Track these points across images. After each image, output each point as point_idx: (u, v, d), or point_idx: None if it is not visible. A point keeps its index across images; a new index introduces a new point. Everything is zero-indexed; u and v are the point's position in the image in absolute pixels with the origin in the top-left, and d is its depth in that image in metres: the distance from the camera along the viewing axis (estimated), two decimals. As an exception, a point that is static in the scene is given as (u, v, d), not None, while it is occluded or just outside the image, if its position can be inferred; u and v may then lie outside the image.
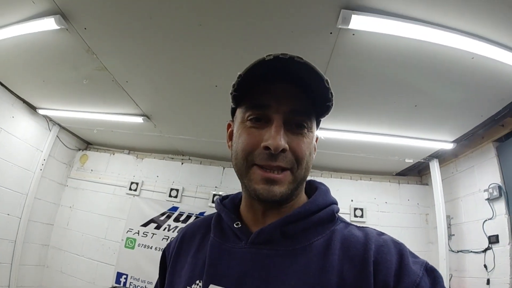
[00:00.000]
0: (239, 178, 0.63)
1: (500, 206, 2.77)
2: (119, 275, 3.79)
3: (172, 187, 4.20)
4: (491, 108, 2.53)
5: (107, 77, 2.71)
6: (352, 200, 3.97)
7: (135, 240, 3.92)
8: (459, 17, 1.72)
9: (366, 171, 4.14)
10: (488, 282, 2.74)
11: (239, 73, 0.58)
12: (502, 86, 2.23)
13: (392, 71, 2.21)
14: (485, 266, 2.82)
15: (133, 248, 3.89)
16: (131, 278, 3.74)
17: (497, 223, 2.79)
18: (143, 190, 4.26)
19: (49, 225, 4.13)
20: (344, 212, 3.82)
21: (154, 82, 2.74)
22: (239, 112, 0.64)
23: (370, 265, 0.52)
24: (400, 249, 0.56)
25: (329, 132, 3.07)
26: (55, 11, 2.03)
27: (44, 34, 2.22)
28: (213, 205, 3.34)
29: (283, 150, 0.56)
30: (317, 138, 0.68)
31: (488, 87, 2.25)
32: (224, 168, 4.30)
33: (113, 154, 4.56)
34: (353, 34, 1.89)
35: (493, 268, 2.73)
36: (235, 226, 0.64)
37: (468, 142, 3.10)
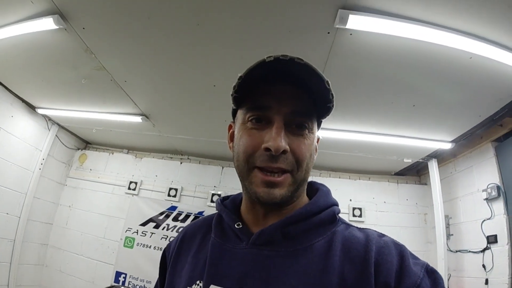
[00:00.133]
0: (240, 180, 0.63)
1: (499, 206, 2.77)
2: (118, 274, 3.79)
3: (171, 187, 4.20)
4: (490, 108, 2.53)
5: (105, 76, 2.71)
6: (350, 200, 3.97)
7: (134, 239, 3.92)
8: (457, 17, 1.71)
9: (364, 170, 4.14)
10: (486, 282, 2.74)
11: (239, 75, 0.58)
12: (500, 86, 2.22)
13: (390, 71, 2.20)
14: (483, 266, 2.82)
15: (132, 247, 3.89)
16: (130, 277, 3.74)
17: (495, 223, 2.78)
18: (142, 190, 4.27)
19: (48, 224, 4.13)
20: (343, 211, 3.81)
21: (153, 82, 2.74)
22: (240, 114, 0.64)
23: (371, 266, 0.53)
24: (401, 250, 0.56)
25: (327, 131, 3.08)
26: (54, 11, 2.03)
27: (42, 34, 2.22)
28: (212, 204, 3.35)
29: (284, 152, 0.56)
30: (318, 139, 0.68)
31: (487, 87, 2.25)
32: (223, 168, 4.30)
33: (112, 154, 4.57)
34: (351, 34, 1.89)
35: (492, 268, 2.73)
36: (236, 226, 0.64)
37: (467, 142, 3.10)
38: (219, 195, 4.07)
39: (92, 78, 2.78)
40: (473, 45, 1.84)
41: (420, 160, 3.59)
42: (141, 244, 3.89)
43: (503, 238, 2.68)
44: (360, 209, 3.90)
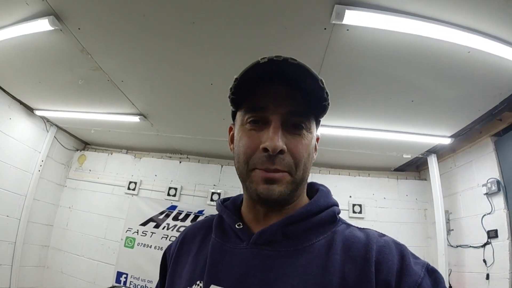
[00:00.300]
0: (241, 181, 0.63)
1: (499, 200, 2.77)
2: (119, 274, 3.80)
3: (171, 186, 4.20)
4: (489, 102, 2.52)
5: (102, 77, 2.70)
6: (350, 196, 3.97)
7: (134, 239, 3.92)
8: (455, 11, 1.70)
9: (364, 167, 4.13)
10: (487, 277, 2.74)
11: (235, 77, 0.58)
12: (499, 80, 2.21)
13: (388, 66, 2.19)
14: (484, 261, 2.81)
15: (132, 247, 3.90)
16: (131, 277, 3.75)
17: (496, 217, 2.78)
18: (141, 190, 4.26)
19: (48, 226, 4.13)
20: (343, 208, 3.81)
21: (150, 81, 2.74)
22: (239, 115, 0.65)
23: (372, 265, 0.53)
24: (401, 250, 0.56)
25: (326, 128, 3.07)
26: (49, 12, 2.02)
27: (38, 35, 2.21)
28: (212, 203, 3.35)
29: (281, 151, 0.57)
30: (318, 138, 0.68)
31: (485, 81, 2.24)
32: (222, 166, 4.30)
33: (111, 154, 4.56)
34: (348, 30, 1.88)
35: (493, 263, 2.73)
36: (237, 227, 0.64)
37: (466, 137, 3.10)
38: (218, 193, 4.08)
39: (89, 79, 2.77)
40: (471, 40, 1.83)
41: (420, 156, 3.58)
42: (142, 244, 3.90)
43: (503, 233, 2.68)
44: (360, 205, 3.89)
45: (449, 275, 3.16)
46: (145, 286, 3.66)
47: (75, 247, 4.03)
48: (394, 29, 1.80)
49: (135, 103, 3.14)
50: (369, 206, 3.91)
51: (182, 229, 3.81)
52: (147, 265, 3.74)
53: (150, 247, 3.86)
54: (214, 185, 4.20)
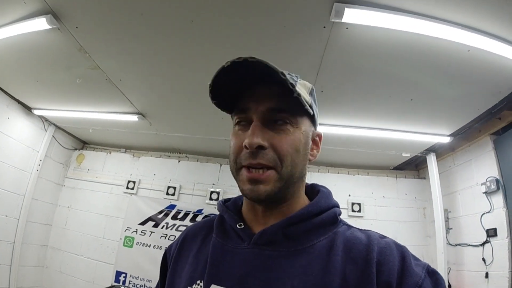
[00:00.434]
0: (235, 181, 0.64)
1: (498, 199, 2.77)
2: (118, 274, 3.79)
3: (169, 185, 4.19)
4: (488, 101, 2.51)
5: (100, 75, 2.68)
6: (349, 195, 3.97)
7: (133, 238, 3.92)
8: (455, 9, 1.69)
9: (363, 165, 4.13)
10: (486, 275, 2.74)
11: (209, 83, 0.60)
12: (498, 79, 2.21)
13: (387, 64, 2.19)
14: (483, 259, 2.82)
15: (131, 246, 3.89)
16: (130, 276, 3.75)
17: (495, 216, 2.78)
18: (140, 189, 4.25)
19: (47, 225, 4.12)
20: (342, 207, 3.75)
21: (148, 80, 2.73)
22: (232, 119, 0.67)
23: (373, 266, 0.53)
24: (402, 251, 0.57)
25: (325, 127, 3.06)
26: (46, 10, 2.00)
27: (36, 34, 2.20)
28: (211, 202, 3.35)
29: (262, 147, 0.57)
30: (319, 135, 0.69)
31: (485, 80, 2.23)
32: (221, 165, 4.29)
33: (110, 153, 4.55)
34: (347, 28, 1.87)
35: (492, 261, 2.74)
36: (238, 227, 0.64)
37: (465, 136, 3.10)
38: (217, 192, 4.07)
39: (87, 78, 2.75)
40: (471, 38, 1.82)
41: (419, 154, 3.58)
42: (141, 243, 3.89)
43: (502, 232, 2.68)
44: (359, 204, 3.89)
45: (448, 274, 3.16)
46: (144, 286, 3.66)
47: (74, 247, 4.02)
48: (394, 27, 1.79)
49: (134, 102, 3.13)
50: (368, 204, 3.91)
51: (181, 228, 3.83)
52: (146, 264, 3.74)
53: (149, 246, 3.86)
54: (213, 184, 4.19)
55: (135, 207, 4.08)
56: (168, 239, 3.84)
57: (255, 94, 0.61)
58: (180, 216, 3.97)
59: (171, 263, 0.71)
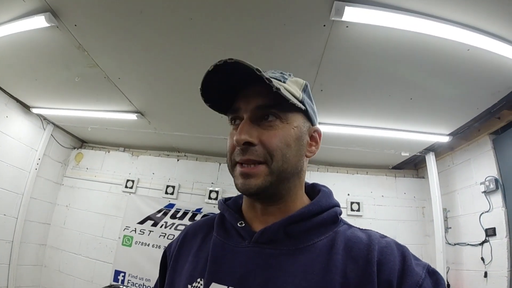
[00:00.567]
0: None
1: (497, 198, 2.77)
2: (117, 273, 3.79)
3: (168, 184, 4.18)
4: (487, 100, 2.51)
5: (99, 74, 2.67)
6: (348, 194, 3.97)
7: (132, 237, 3.91)
8: (454, 8, 1.69)
9: (362, 165, 4.13)
10: (485, 275, 2.75)
11: (199, 87, 0.62)
12: (498, 78, 2.21)
13: (387, 63, 2.18)
14: (482, 259, 2.82)
15: (130, 245, 3.88)
16: (129, 275, 3.74)
17: (494, 216, 2.79)
18: (139, 188, 4.24)
19: (46, 224, 4.11)
20: (341, 206, 3.81)
21: (147, 78, 2.72)
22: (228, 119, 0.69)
23: (373, 265, 0.53)
24: (403, 251, 0.57)
25: (324, 126, 3.06)
26: (45, 8, 2.00)
27: (35, 32, 2.19)
28: (210, 201, 3.35)
29: (250, 144, 0.59)
30: (317, 132, 0.69)
31: (484, 79, 2.23)
32: (220, 164, 4.29)
33: (108, 152, 4.54)
34: (347, 27, 1.87)
35: (491, 261, 2.74)
36: (239, 225, 0.65)
37: (464, 135, 3.10)
38: (216, 191, 4.06)
39: (86, 76, 2.74)
40: (471, 37, 1.82)
41: (418, 154, 3.58)
42: (140, 242, 3.88)
43: (501, 231, 2.68)
44: (358, 203, 3.89)
45: (447, 273, 3.17)
46: (143, 285, 3.65)
47: (72, 246, 4.01)
48: (394, 26, 1.79)
49: (132, 100, 3.12)
50: (367, 204, 3.92)
51: (180, 227, 3.83)
52: (145, 263, 3.73)
53: (148, 245, 3.85)
54: (212, 183, 4.19)
55: (134, 206, 4.08)
56: (167, 238, 3.84)
57: (245, 94, 0.63)
58: (179, 215, 3.97)
59: (171, 261, 0.71)
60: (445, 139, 3.12)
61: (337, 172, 4.17)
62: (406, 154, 3.60)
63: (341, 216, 0.67)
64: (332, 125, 3.07)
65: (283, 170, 0.60)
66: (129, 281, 3.70)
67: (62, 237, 4.09)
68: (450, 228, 3.35)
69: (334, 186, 3.86)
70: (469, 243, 3.04)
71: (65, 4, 1.95)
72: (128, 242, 3.90)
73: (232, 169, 0.63)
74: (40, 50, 2.45)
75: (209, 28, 2.03)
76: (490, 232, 2.78)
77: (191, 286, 0.61)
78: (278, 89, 0.57)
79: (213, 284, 0.57)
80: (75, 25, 2.13)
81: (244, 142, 0.59)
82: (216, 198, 4.00)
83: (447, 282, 3.16)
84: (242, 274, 0.57)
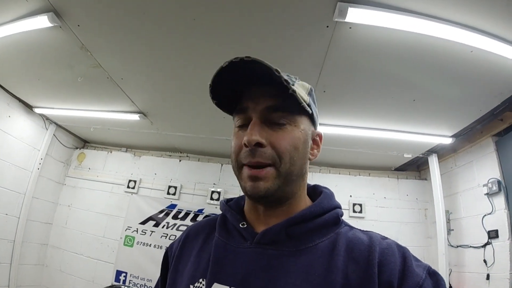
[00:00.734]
0: (238, 180, 0.65)
1: (500, 201, 2.76)
2: (119, 273, 3.79)
3: (170, 185, 4.19)
4: (490, 102, 2.50)
5: (102, 74, 2.68)
6: (351, 196, 3.96)
7: (133, 238, 3.91)
8: (458, 10, 1.69)
9: (364, 166, 4.12)
10: (488, 277, 2.73)
11: (209, 83, 0.61)
12: (501, 80, 2.20)
13: (390, 65, 2.18)
14: (484, 261, 2.81)
15: (132, 246, 3.89)
16: (130, 276, 3.74)
17: (496, 218, 2.77)
18: (141, 188, 4.25)
19: (47, 224, 4.12)
20: (343, 208, 3.78)
21: (150, 79, 2.72)
22: (233, 120, 0.68)
23: (374, 266, 0.54)
24: (403, 252, 0.57)
25: (327, 127, 3.06)
26: (48, 8, 2.00)
27: (37, 32, 2.20)
28: (212, 202, 3.34)
29: (260, 145, 0.58)
30: (319, 135, 0.70)
31: (487, 81, 2.23)
32: (222, 165, 4.29)
33: (111, 152, 4.55)
34: (350, 28, 1.86)
35: (493, 263, 2.72)
36: (241, 226, 0.65)
37: (467, 137, 3.09)
38: (218, 192, 4.06)
39: (89, 76, 2.75)
40: (474, 39, 1.81)
41: (420, 155, 3.57)
42: (141, 242, 3.89)
43: (504, 233, 2.67)
44: (360, 205, 3.88)
45: (449, 275, 3.15)
46: (145, 285, 3.65)
47: (74, 246, 4.02)
48: (397, 28, 1.79)
49: (135, 101, 3.13)
50: (370, 205, 3.91)
51: (181, 228, 3.83)
52: (147, 264, 3.73)
53: (150, 245, 3.85)
54: (214, 183, 4.19)
55: (135, 206, 4.08)
56: (169, 238, 3.84)
57: (253, 94, 0.63)
58: (181, 215, 3.97)
59: (173, 261, 0.71)
60: (448, 141, 3.11)
61: (339, 174, 4.16)
62: (408, 156, 3.59)
63: (343, 217, 0.67)
64: (335, 126, 3.07)
65: (290, 173, 0.61)
66: (130, 282, 3.70)
67: (63, 237, 4.10)
68: (453, 230, 3.33)
69: (336, 187, 3.86)
70: (471, 245, 3.02)
71: (68, 4, 1.96)
72: (129, 242, 3.90)
73: (238, 171, 0.63)
74: (43, 50, 2.46)
75: (212, 28, 2.03)
76: (493, 234, 2.76)
77: (193, 286, 0.61)
78: (294, 91, 0.57)
79: (215, 284, 0.57)
80: (78, 25, 2.13)
81: (255, 143, 0.58)
82: (218, 199, 4.00)
83: (449, 285, 3.14)
84: (244, 274, 0.57)
